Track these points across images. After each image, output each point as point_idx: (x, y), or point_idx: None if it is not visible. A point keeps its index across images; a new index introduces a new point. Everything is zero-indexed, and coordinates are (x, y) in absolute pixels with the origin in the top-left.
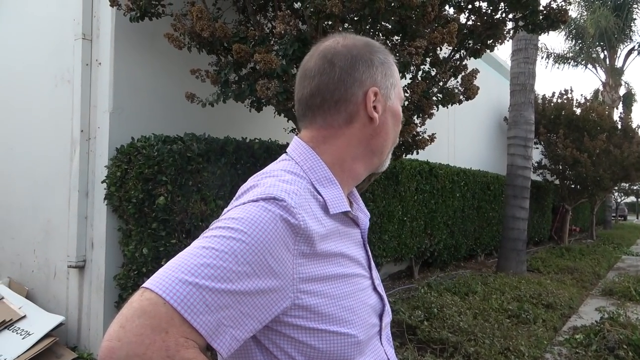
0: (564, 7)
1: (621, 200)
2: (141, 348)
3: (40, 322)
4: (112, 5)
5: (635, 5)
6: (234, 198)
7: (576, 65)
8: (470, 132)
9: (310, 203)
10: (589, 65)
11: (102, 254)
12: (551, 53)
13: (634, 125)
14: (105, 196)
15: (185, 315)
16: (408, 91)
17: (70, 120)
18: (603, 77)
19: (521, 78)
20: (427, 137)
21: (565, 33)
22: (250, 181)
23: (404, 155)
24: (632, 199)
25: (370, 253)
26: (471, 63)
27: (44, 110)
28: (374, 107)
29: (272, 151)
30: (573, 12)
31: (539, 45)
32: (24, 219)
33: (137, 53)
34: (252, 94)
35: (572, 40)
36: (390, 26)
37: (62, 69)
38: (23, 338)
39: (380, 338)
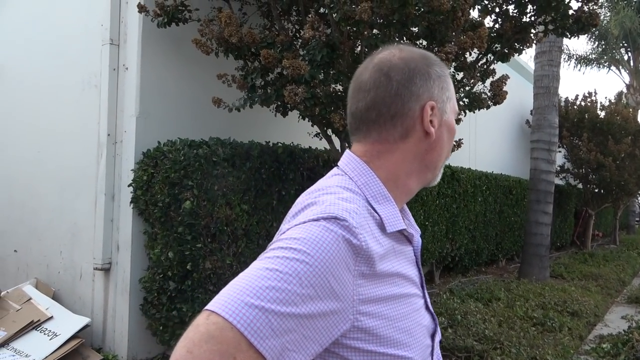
0: (595, 10)
1: None
2: None
3: (66, 323)
4: (140, 12)
5: None
6: (290, 215)
7: (599, 67)
8: (491, 136)
9: (368, 222)
10: (613, 67)
11: (127, 256)
12: (573, 54)
13: None
14: (132, 199)
15: (252, 340)
16: None
17: (97, 124)
18: (627, 79)
19: (545, 81)
20: (455, 143)
21: (588, 34)
22: (306, 198)
23: None
24: None
25: (422, 271)
26: (494, 66)
27: (71, 115)
28: (431, 122)
29: (295, 155)
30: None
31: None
32: (50, 221)
33: (164, 58)
34: (279, 99)
35: (594, 42)
36: (417, 31)
37: (90, 74)
38: (50, 339)
39: (432, 358)
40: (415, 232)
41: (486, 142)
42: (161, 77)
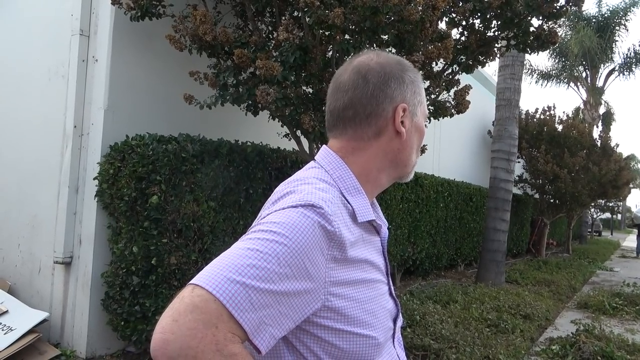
0: (554, 29)
1: (597, 217)
2: (194, 341)
3: (23, 318)
4: (113, 4)
5: (618, 28)
6: (270, 202)
7: (559, 83)
8: (455, 144)
9: (342, 211)
10: (571, 84)
11: (90, 250)
12: (535, 70)
13: (612, 144)
14: (97, 193)
15: (233, 312)
16: None
17: (63, 115)
18: (584, 95)
19: (507, 93)
20: None
21: (550, 51)
22: (285, 187)
23: None
24: (607, 215)
25: (388, 260)
26: (460, 77)
27: (36, 104)
28: (402, 122)
29: (264, 155)
30: (558, 31)
31: (524, 62)
32: (8, 213)
33: (135, 52)
34: (250, 98)
35: (555, 58)
36: (386, 39)
37: (57, 64)
38: (5, 333)
39: (394, 341)
40: (383, 224)
41: (449, 150)
42: (131, 70)
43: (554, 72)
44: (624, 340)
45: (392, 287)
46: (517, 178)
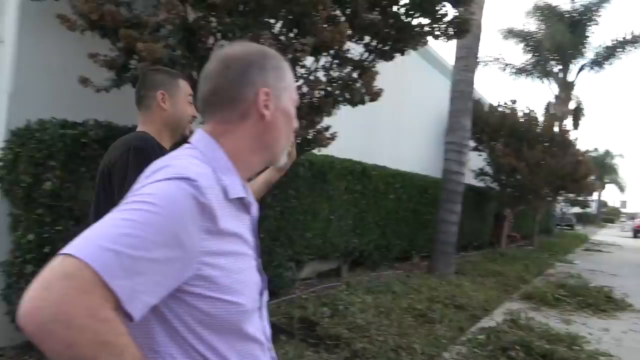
0: (466, 17)
1: (567, 210)
2: (67, 307)
3: None
4: None
5: (589, 24)
6: (144, 176)
7: (532, 77)
8: (415, 137)
9: (214, 186)
10: (544, 78)
11: None
12: (508, 64)
13: (570, 138)
14: None
15: (106, 279)
16: (305, 88)
17: None
18: (556, 90)
19: (461, 85)
20: (329, 135)
21: (524, 46)
22: (160, 162)
23: (303, 152)
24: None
25: (258, 239)
26: (419, 66)
27: None
28: (266, 106)
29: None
30: (531, 25)
31: (497, 56)
32: None
33: (43, 34)
34: None
35: (529, 54)
36: (274, 22)
37: None
38: None
39: (260, 314)
40: (254, 203)
41: (409, 142)
42: (40, 53)
43: (528, 67)
44: (547, 330)
45: (260, 264)
46: (478, 171)
